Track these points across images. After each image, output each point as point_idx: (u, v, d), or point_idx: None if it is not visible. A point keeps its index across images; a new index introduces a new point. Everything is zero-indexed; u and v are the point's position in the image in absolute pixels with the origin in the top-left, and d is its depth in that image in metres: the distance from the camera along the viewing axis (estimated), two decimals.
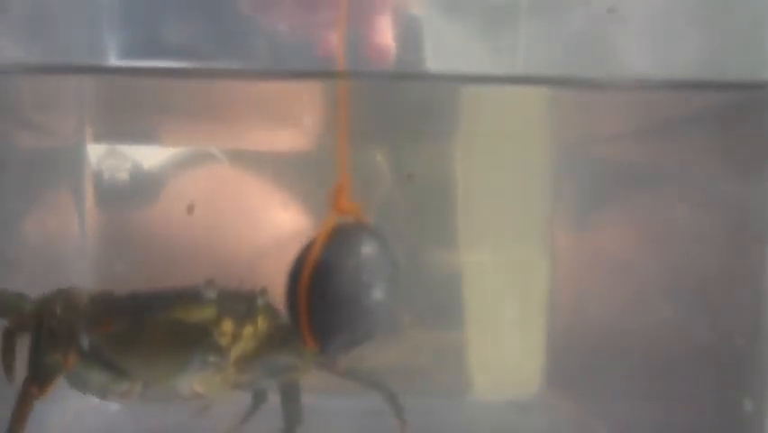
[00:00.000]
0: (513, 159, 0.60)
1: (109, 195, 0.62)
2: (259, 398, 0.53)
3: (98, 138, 0.63)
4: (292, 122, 0.58)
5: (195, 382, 0.47)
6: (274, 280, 0.41)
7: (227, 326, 0.46)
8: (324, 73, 0.41)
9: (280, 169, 0.62)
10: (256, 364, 0.48)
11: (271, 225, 0.61)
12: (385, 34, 0.41)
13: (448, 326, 0.62)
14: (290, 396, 0.51)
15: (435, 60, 0.42)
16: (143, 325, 0.47)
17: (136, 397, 0.48)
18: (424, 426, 0.50)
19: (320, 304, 0.38)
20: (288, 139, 0.61)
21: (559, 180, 0.62)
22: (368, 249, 0.39)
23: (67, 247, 0.62)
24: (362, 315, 0.38)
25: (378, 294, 0.38)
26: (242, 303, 0.47)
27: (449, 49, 0.42)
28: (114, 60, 0.41)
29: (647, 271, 0.55)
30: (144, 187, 0.62)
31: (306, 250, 0.39)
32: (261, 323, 0.48)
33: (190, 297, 0.47)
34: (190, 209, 0.58)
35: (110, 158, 0.62)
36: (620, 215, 0.60)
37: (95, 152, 0.62)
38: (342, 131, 0.39)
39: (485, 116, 0.54)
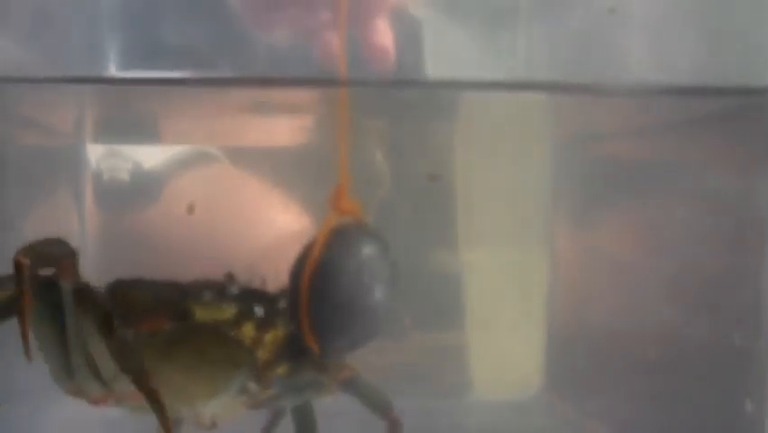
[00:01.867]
0: (512, 159, 0.60)
1: (109, 195, 0.62)
2: (278, 414, 0.49)
3: (98, 138, 0.63)
4: (292, 122, 0.58)
5: (221, 407, 0.42)
6: (275, 280, 0.42)
7: (248, 329, 0.42)
8: (324, 80, 0.42)
9: (281, 168, 0.62)
10: (279, 380, 0.43)
11: (272, 226, 0.61)
12: (384, 37, 0.42)
13: (447, 326, 0.62)
14: (304, 416, 0.48)
15: (434, 65, 0.43)
16: (186, 333, 0.41)
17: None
18: (423, 426, 0.50)
19: (321, 305, 0.39)
20: (288, 139, 0.62)
21: (559, 181, 0.62)
22: (368, 250, 0.39)
23: None
24: (363, 316, 0.39)
25: (378, 295, 0.38)
26: (263, 303, 0.43)
27: (448, 53, 0.42)
28: (113, 71, 0.41)
29: (647, 271, 0.56)
30: (144, 187, 0.62)
31: (307, 250, 0.39)
32: (282, 329, 0.43)
33: (214, 292, 0.42)
34: (191, 209, 0.58)
35: (109, 158, 0.62)
36: (620, 216, 0.60)
37: (94, 151, 0.62)
38: (342, 133, 0.40)
39: (485, 117, 0.54)
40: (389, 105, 0.50)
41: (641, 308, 0.56)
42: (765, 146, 0.45)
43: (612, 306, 0.60)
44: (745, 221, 0.47)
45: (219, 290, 0.42)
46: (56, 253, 0.41)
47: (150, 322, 0.42)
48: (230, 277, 0.43)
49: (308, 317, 0.39)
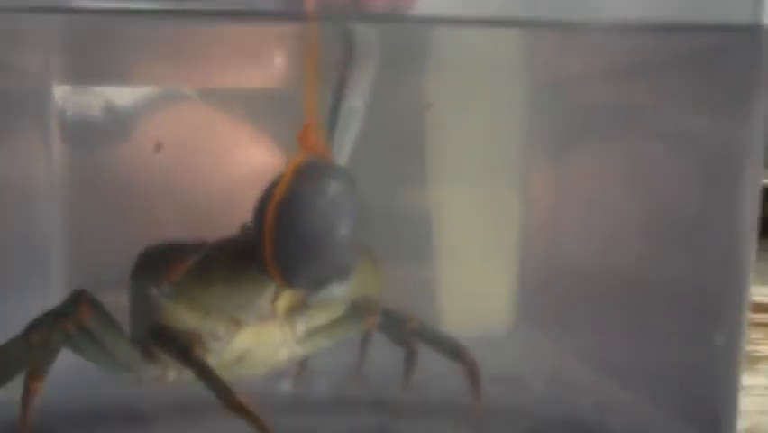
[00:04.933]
0: (487, 96, 0.60)
1: (78, 135, 0.61)
2: (411, 355, 0.51)
3: (66, 77, 0.62)
4: (265, 60, 0.57)
5: (277, 297, 0.44)
6: (246, 218, 0.41)
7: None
8: (294, 14, 0.41)
9: (253, 107, 0.61)
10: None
11: (243, 164, 0.61)
12: None
13: (420, 262, 0.62)
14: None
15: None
16: (212, 255, 0.44)
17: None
18: (395, 362, 0.50)
19: (284, 239, 0.38)
20: (260, 77, 0.61)
21: (533, 120, 0.62)
22: (334, 186, 0.38)
23: (36, 188, 0.62)
24: (326, 250, 0.38)
25: (343, 230, 0.38)
26: None
27: None
28: (81, 1, 0.40)
29: (621, 207, 0.56)
30: (114, 126, 0.62)
31: (273, 186, 0.39)
32: None
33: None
34: (158, 147, 0.57)
35: (78, 97, 0.61)
36: (594, 155, 0.60)
37: (62, 91, 0.61)
38: (310, 70, 0.39)
39: (458, 55, 0.53)
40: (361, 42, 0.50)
41: (614, 245, 0.56)
42: (742, 85, 0.45)
43: (586, 242, 0.60)
44: (720, 160, 0.47)
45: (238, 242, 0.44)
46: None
47: (177, 266, 0.44)
48: (245, 228, 0.44)
49: (271, 251, 0.38)
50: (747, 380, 0.68)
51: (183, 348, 0.43)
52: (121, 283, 0.47)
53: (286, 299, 0.44)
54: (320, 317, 0.47)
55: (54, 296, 0.46)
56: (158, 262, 0.45)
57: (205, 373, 0.42)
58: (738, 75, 0.45)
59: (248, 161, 0.60)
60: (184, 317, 0.44)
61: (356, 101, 0.42)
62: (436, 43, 0.52)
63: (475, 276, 0.63)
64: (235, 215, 0.43)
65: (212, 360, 0.43)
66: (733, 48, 0.45)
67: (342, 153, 0.46)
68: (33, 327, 0.43)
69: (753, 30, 0.43)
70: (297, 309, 0.45)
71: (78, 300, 0.43)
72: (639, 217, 0.54)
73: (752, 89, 0.45)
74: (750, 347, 0.76)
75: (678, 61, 0.49)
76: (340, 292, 0.41)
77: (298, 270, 0.39)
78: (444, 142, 0.62)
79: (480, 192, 0.63)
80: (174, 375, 0.46)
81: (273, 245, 0.39)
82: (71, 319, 0.43)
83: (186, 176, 0.60)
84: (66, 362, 0.43)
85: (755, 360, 0.74)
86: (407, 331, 0.50)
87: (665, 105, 0.51)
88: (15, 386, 0.42)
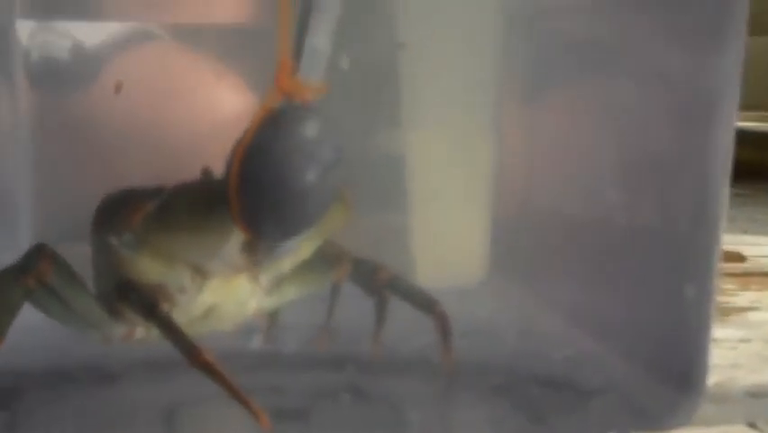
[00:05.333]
0: (458, 36, 0.59)
1: (43, 75, 0.60)
2: (382, 306, 0.50)
3: (30, 13, 0.60)
4: None
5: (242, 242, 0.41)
6: (220, 163, 0.40)
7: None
8: None
9: (230, 47, 0.60)
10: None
11: (220, 107, 0.60)
12: None
13: (390, 209, 0.61)
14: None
15: None
16: (173, 200, 0.42)
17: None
18: (364, 314, 0.50)
19: (249, 188, 0.37)
20: (236, 14, 0.60)
21: (505, 59, 0.61)
22: (303, 131, 0.37)
23: None
24: (293, 200, 0.37)
25: (311, 178, 0.37)
26: None
27: None
28: None
29: (594, 154, 0.55)
30: (81, 66, 0.60)
31: (244, 133, 0.37)
32: None
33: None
34: (118, 88, 0.56)
35: (43, 35, 0.59)
36: (568, 94, 0.59)
37: (25, 28, 0.59)
38: (283, 7, 0.38)
39: None
40: None
41: (587, 192, 0.56)
42: (716, 21, 0.45)
43: (559, 188, 0.59)
44: (694, 101, 0.47)
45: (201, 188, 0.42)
46: None
47: (136, 212, 0.42)
48: (207, 172, 0.43)
49: (238, 201, 0.37)
50: (718, 332, 0.69)
51: (148, 303, 0.42)
52: (86, 233, 0.46)
53: (258, 245, 0.42)
54: (287, 263, 0.45)
55: (21, 245, 0.44)
56: (117, 211, 0.43)
57: (170, 329, 0.41)
58: (712, 10, 0.45)
59: (222, 103, 0.59)
60: (147, 268, 0.43)
61: (321, 40, 0.41)
62: None
63: (447, 223, 0.62)
64: (209, 160, 0.42)
65: (179, 315, 0.42)
66: None
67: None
68: None
69: None
70: (266, 255, 0.43)
71: (39, 255, 0.42)
72: (611, 163, 0.53)
73: (725, 26, 0.44)
74: (722, 298, 0.77)
75: None
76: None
77: (263, 220, 0.38)
78: (416, 84, 0.61)
79: (452, 136, 0.62)
80: (142, 333, 0.45)
81: (238, 194, 0.37)
82: (32, 275, 0.41)
83: (157, 118, 0.59)
84: (32, 319, 0.42)
85: (727, 311, 0.75)
86: (379, 281, 0.49)
87: (638, 43, 0.51)
88: None
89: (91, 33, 0.60)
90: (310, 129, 0.37)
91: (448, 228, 0.63)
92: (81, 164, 0.59)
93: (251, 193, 0.37)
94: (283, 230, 0.39)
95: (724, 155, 0.45)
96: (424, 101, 0.61)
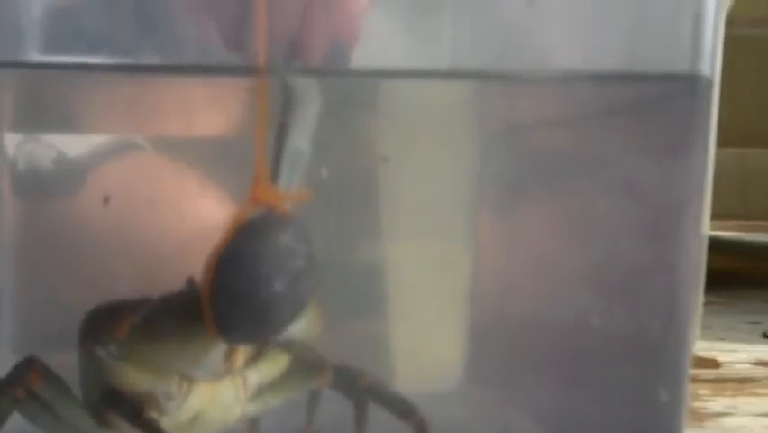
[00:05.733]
0: (436, 149, 0.60)
1: (28, 185, 0.61)
2: (362, 411, 0.50)
3: (16, 126, 0.61)
4: (222, 112, 0.58)
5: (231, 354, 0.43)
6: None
7: None
8: (245, 68, 0.41)
9: (211, 160, 0.61)
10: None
11: (200, 217, 0.61)
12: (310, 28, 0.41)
13: (368, 318, 0.62)
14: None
15: (358, 54, 0.43)
16: (158, 311, 0.43)
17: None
18: (343, 417, 0.50)
19: (220, 294, 0.38)
20: (218, 129, 0.61)
21: (483, 173, 0.62)
22: (274, 240, 0.38)
23: None
24: (263, 306, 0.38)
25: (280, 286, 0.37)
26: None
27: (372, 41, 0.42)
28: (34, 56, 0.40)
29: (567, 261, 0.56)
30: (66, 177, 0.61)
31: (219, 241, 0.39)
32: None
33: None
34: (106, 201, 0.57)
35: (30, 147, 0.60)
36: (541, 207, 0.61)
37: (12, 140, 0.61)
38: (260, 122, 0.39)
39: (408, 106, 0.54)
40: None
41: (560, 299, 0.57)
42: (683, 134, 0.46)
43: (532, 296, 0.60)
44: (662, 211, 0.48)
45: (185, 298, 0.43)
46: None
47: (122, 324, 0.43)
48: (191, 282, 0.43)
49: (210, 305, 0.38)
50: None
51: (134, 410, 0.42)
52: (70, 341, 0.46)
53: (240, 355, 0.43)
54: (270, 369, 0.46)
55: (2, 355, 0.45)
56: (103, 322, 0.44)
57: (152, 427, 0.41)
58: (678, 124, 0.46)
59: (205, 212, 0.60)
60: (134, 377, 0.43)
61: (300, 144, 0.42)
62: (386, 95, 0.52)
63: (425, 331, 0.63)
64: (192, 269, 0.43)
65: (166, 422, 0.43)
66: (674, 97, 0.46)
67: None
68: None
69: (691, 79, 0.44)
70: (249, 363, 0.44)
71: (30, 367, 0.43)
72: (584, 271, 0.54)
73: (692, 139, 0.46)
74: (697, 404, 0.77)
75: (620, 111, 0.50)
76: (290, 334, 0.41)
77: (233, 325, 0.39)
78: (396, 195, 0.62)
79: (430, 246, 0.63)
80: None
81: (210, 299, 0.38)
82: (22, 386, 0.42)
83: (139, 229, 0.59)
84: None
85: (702, 417, 0.75)
86: (359, 387, 0.50)
87: (608, 156, 0.52)
88: None
89: (76, 145, 0.61)
90: (282, 238, 0.38)
91: (426, 335, 0.63)
92: (63, 272, 0.60)
93: (222, 298, 0.38)
94: (252, 335, 0.40)
95: (693, 262, 0.47)
96: (404, 211, 0.62)
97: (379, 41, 0.42)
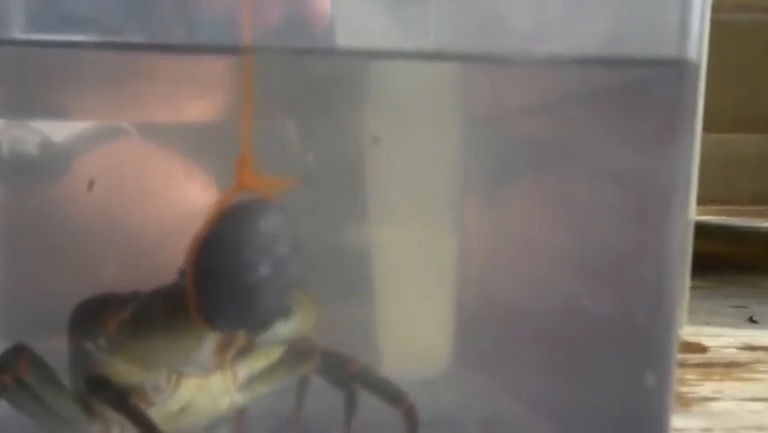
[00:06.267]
0: (422, 133, 0.60)
1: (12, 171, 0.61)
2: (351, 398, 0.50)
3: (0, 110, 0.61)
4: (206, 93, 0.57)
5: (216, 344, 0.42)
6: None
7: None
8: (230, 48, 0.41)
9: (196, 143, 0.61)
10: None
11: (186, 202, 0.60)
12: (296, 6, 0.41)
13: (356, 303, 0.62)
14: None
15: (344, 34, 0.42)
16: (148, 305, 0.43)
17: None
18: (331, 404, 0.50)
19: (204, 279, 0.38)
20: (203, 113, 0.61)
21: (469, 156, 0.62)
22: (257, 225, 0.37)
23: None
24: (245, 293, 0.38)
25: (264, 271, 0.37)
26: None
27: (358, 22, 0.42)
28: (17, 33, 0.40)
29: (554, 247, 0.56)
30: (51, 162, 0.61)
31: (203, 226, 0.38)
32: None
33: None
34: (90, 186, 0.57)
35: (13, 131, 0.60)
36: (528, 192, 0.61)
37: None
38: (246, 104, 0.39)
39: (394, 90, 0.54)
40: (297, 78, 0.50)
41: (547, 284, 0.57)
42: (670, 119, 0.46)
43: (519, 282, 0.60)
44: (649, 196, 0.48)
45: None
46: None
47: (111, 318, 0.43)
48: (183, 273, 0.42)
49: (194, 291, 0.38)
50: (680, 422, 0.69)
51: (119, 398, 0.42)
52: (58, 327, 0.46)
53: (231, 349, 0.43)
54: (261, 362, 0.46)
55: None
56: (93, 316, 0.44)
57: (141, 422, 0.41)
58: (665, 109, 0.46)
59: (191, 198, 0.60)
60: (124, 370, 0.43)
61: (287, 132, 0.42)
62: (371, 78, 0.52)
63: (413, 315, 0.63)
64: (175, 254, 0.43)
65: (155, 412, 0.43)
66: (660, 82, 0.46)
67: None
68: None
69: (678, 63, 0.44)
70: (239, 355, 0.44)
71: (19, 355, 0.43)
72: (570, 256, 0.54)
73: (678, 124, 0.46)
74: (684, 388, 0.77)
75: (607, 95, 0.50)
76: (284, 331, 0.41)
77: (217, 311, 0.38)
78: (382, 180, 0.62)
79: (417, 230, 0.63)
80: (117, 432, 0.45)
81: (194, 285, 0.38)
82: (10, 373, 0.42)
83: (127, 214, 0.59)
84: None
85: (689, 401, 0.75)
86: (348, 374, 0.50)
87: (595, 140, 0.52)
88: None
89: (61, 130, 0.61)
90: (265, 223, 0.38)
91: (413, 320, 0.63)
92: (50, 259, 0.59)
93: (205, 284, 0.38)
94: (237, 322, 0.40)
95: (679, 247, 0.47)
96: (390, 196, 0.62)
97: (364, 21, 0.42)
